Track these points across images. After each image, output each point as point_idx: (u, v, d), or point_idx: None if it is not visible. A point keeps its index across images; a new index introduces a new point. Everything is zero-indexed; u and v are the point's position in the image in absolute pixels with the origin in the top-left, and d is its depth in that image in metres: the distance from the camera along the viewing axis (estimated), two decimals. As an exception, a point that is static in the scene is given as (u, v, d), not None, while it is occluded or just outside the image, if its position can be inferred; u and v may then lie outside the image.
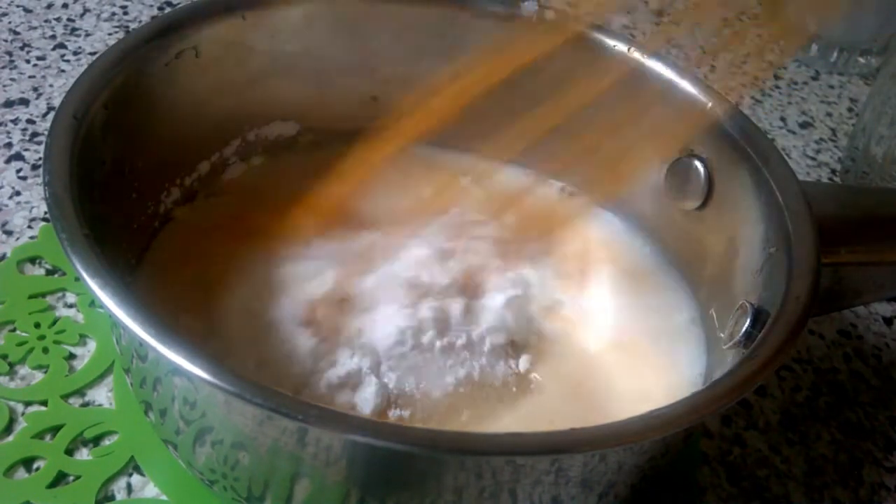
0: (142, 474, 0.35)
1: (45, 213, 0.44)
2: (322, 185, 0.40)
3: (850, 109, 0.62)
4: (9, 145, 0.48)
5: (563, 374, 0.36)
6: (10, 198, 0.45)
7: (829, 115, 0.61)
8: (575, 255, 0.41)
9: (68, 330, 0.39)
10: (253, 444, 0.28)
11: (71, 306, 0.41)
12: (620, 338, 0.38)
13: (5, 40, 0.55)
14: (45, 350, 0.39)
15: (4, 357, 0.38)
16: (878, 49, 0.64)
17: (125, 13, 0.59)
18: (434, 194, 0.42)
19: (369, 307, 0.36)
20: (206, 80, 0.38)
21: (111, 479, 0.35)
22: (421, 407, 0.34)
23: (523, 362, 0.36)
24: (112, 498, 0.34)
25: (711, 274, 0.38)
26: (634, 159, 0.40)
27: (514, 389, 0.35)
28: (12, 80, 0.52)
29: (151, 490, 0.35)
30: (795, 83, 0.64)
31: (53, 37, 0.56)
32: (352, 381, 0.33)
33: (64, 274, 0.42)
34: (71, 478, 0.35)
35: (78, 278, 0.27)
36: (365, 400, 0.33)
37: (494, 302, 0.37)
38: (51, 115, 0.46)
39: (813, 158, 0.57)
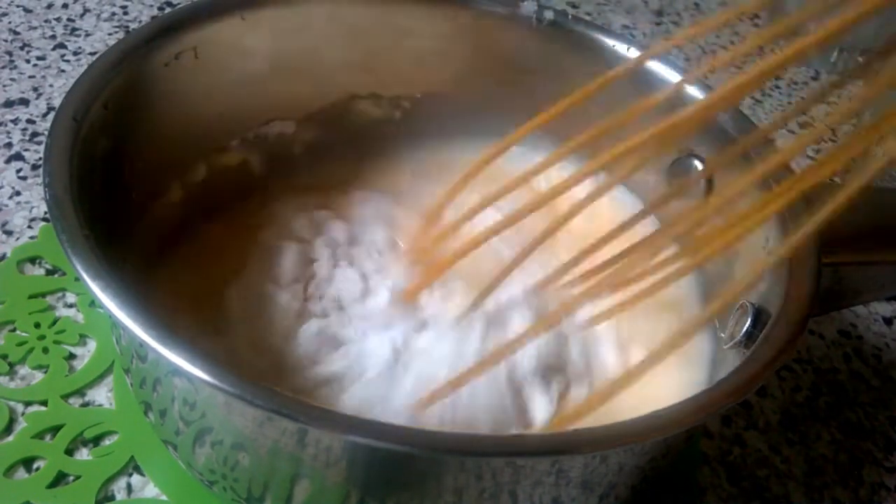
0: (142, 474, 0.35)
1: (45, 213, 0.44)
2: (323, 184, 0.40)
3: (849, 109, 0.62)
4: (9, 145, 0.48)
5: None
6: (10, 198, 0.45)
7: (829, 115, 0.61)
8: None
9: (68, 330, 0.39)
10: (253, 444, 0.28)
11: (71, 306, 0.41)
12: (620, 338, 0.38)
13: (5, 40, 0.55)
14: (45, 350, 0.39)
15: (4, 357, 0.38)
16: (879, 49, 0.63)
17: (125, 13, 0.59)
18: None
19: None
20: (206, 81, 0.38)
21: (111, 479, 0.35)
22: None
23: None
24: (112, 498, 0.34)
25: (711, 274, 0.38)
26: (634, 159, 0.40)
27: None
28: (12, 80, 0.52)
29: (151, 490, 0.35)
30: (795, 83, 0.64)
31: (53, 37, 0.56)
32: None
33: (64, 274, 0.42)
34: (71, 478, 0.35)
35: (78, 278, 0.27)
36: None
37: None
38: (51, 115, 0.46)
39: (813, 159, 0.57)
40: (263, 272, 0.37)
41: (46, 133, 0.31)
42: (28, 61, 0.54)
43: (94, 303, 0.40)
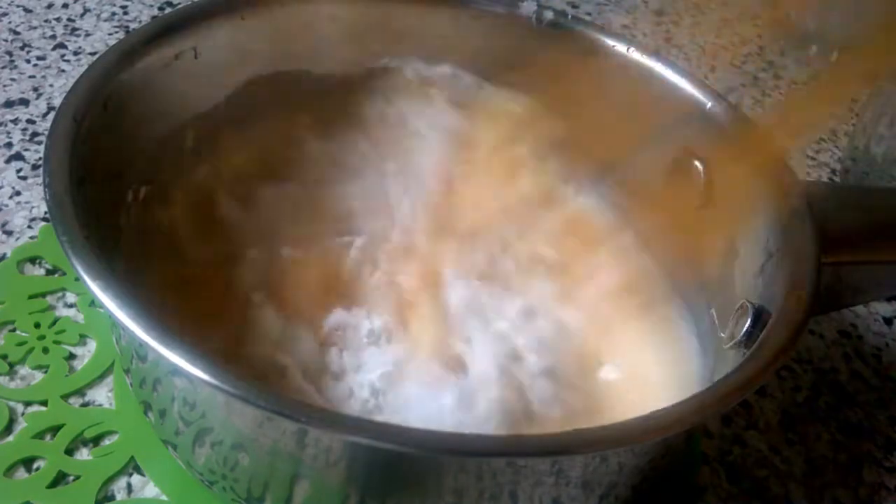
0: (142, 474, 0.35)
1: (45, 213, 0.44)
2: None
3: (850, 109, 0.62)
4: (9, 145, 0.48)
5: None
6: (10, 198, 0.45)
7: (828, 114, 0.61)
8: (573, 254, 0.41)
9: (68, 330, 0.39)
10: (253, 445, 0.28)
11: (71, 306, 0.41)
12: (620, 338, 0.38)
13: (5, 40, 0.55)
14: (45, 350, 0.39)
15: (4, 357, 0.38)
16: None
17: (125, 13, 0.59)
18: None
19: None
20: (206, 81, 0.38)
21: (111, 479, 0.35)
22: None
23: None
24: (112, 498, 0.34)
25: (711, 274, 0.38)
26: (634, 160, 0.40)
27: None
28: (12, 80, 0.52)
29: (151, 490, 0.35)
30: (795, 83, 0.64)
31: (53, 37, 0.56)
32: None
33: (64, 274, 0.42)
34: (71, 478, 0.35)
35: (78, 278, 0.27)
36: None
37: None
38: (51, 115, 0.46)
39: (813, 158, 0.57)
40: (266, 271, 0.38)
41: (46, 133, 0.31)
42: (28, 61, 0.54)
43: (94, 303, 0.40)
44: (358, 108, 0.43)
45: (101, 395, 0.37)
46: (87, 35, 0.56)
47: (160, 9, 0.60)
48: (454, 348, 0.36)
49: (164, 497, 0.34)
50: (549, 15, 0.41)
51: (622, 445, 0.27)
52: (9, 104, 0.50)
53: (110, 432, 0.36)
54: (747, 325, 0.32)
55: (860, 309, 0.47)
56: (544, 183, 0.42)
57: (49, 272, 0.42)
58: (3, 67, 0.53)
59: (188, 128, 0.39)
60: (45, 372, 0.38)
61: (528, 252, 0.40)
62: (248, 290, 0.37)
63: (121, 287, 0.27)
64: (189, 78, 0.38)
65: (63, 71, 0.53)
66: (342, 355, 0.35)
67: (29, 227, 0.44)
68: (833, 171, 0.56)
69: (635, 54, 0.40)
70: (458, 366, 0.36)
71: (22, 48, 0.54)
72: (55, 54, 0.54)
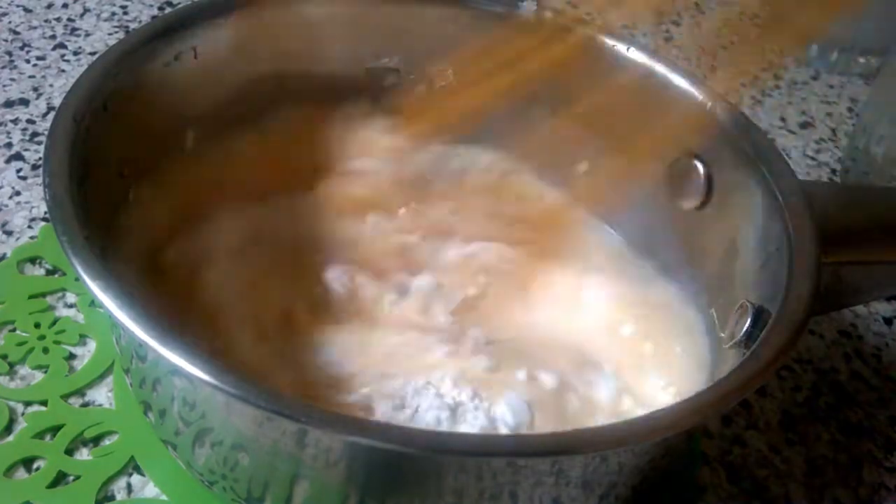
0: (142, 474, 0.35)
1: (45, 213, 0.44)
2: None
3: (850, 109, 0.62)
4: (9, 145, 0.48)
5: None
6: (10, 198, 0.45)
7: (829, 115, 0.61)
8: (574, 253, 0.41)
9: (68, 330, 0.39)
10: (253, 445, 0.28)
11: (71, 306, 0.41)
12: (620, 338, 0.38)
13: (5, 40, 0.55)
14: (45, 350, 0.39)
15: (4, 357, 0.38)
16: (878, 49, 0.64)
17: (125, 13, 0.59)
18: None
19: None
20: (206, 81, 0.38)
21: (111, 479, 0.35)
22: None
23: None
24: (112, 498, 0.34)
25: (711, 274, 0.38)
26: (634, 160, 0.40)
27: None
28: (12, 80, 0.52)
29: (151, 490, 0.35)
30: (795, 83, 0.64)
31: (53, 37, 0.56)
32: None
33: (64, 274, 0.42)
34: (71, 478, 0.35)
35: (78, 278, 0.27)
36: None
37: None
38: (51, 115, 0.46)
39: (813, 158, 0.57)
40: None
41: (46, 133, 0.31)
42: (28, 61, 0.54)
43: (94, 303, 0.40)
44: (358, 107, 0.43)
45: (101, 395, 0.38)
46: (87, 35, 0.56)
47: (160, 9, 0.60)
48: None
49: (164, 497, 0.34)
50: (548, 15, 0.41)
51: (622, 445, 0.27)
52: (9, 104, 0.50)
53: (110, 432, 0.36)
54: (747, 325, 0.32)
55: (860, 309, 0.47)
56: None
57: (49, 272, 0.42)
58: (3, 67, 0.53)
59: (188, 128, 0.39)
60: (45, 372, 0.38)
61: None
62: None
63: (121, 287, 0.27)
64: (189, 78, 0.37)
65: (63, 71, 0.53)
66: None
67: (29, 227, 0.44)
68: (833, 171, 0.56)
69: (635, 54, 0.40)
70: None
71: (22, 48, 0.54)
72: (55, 54, 0.54)
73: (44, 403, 0.37)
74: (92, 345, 0.39)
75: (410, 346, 0.36)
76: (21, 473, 0.35)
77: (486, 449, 0.26)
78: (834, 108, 0.62)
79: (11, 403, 0.37)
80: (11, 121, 0.49)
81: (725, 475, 0.39)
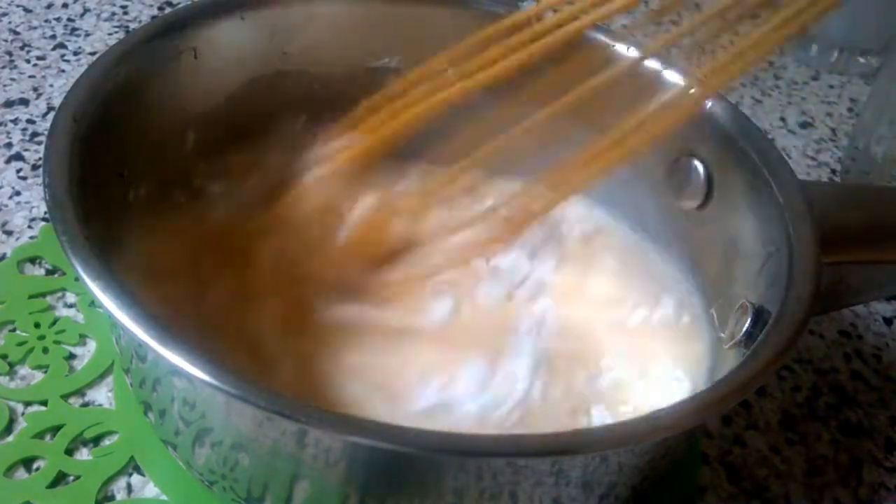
0: (142, 474, 0.35)
1: (45, 213, 0.44)
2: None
3: (850, 109, 0.62)
4: (9, 145, 0.48)
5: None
6: (10, 198, 0.45)
7: (829, 115, 0.61)
8: (575, 253, 0.41)
9: (68, 330, 0.39)
10: (253, 445, 0.28)
11: (71, 306, 0.41)
12: (621, 337, 0.38)
13: (5, 40, 0.55)
14: (45, 350, 0.39)
15: (4, 357, 0.38)
16: (878, 49, 0.64)
17: (125, 13, 0.59)
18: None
19: None
20: (206, 81, 0.38)
21: (111, 479, 0.35)
22: None
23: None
24: (112, 498, 0.34)
25: (711, 274, 0.38)
26: (634, 160, 0.40)
27: None
28: (12, 80, 0.52)
29: (151, 490, 0.35)
30: (795, 83, 0.64)
31: (53, 37, 0.56)
32: None
33: (64, 274, 0.42)
34: (71, 478, 0.35)
35: (78, 278, 0.27)
36: None
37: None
38: (51, 115, 0.46)
39: (813, 158, 0.57)
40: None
41: (46, 133, 0.31)
42: (28, 61, 0.54)
43: (94, 303, 0.40)
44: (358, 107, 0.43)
45: (101, 395, 0.38)
46: (87, 35, 0.56)
47: (160, 9, 0.60)
48: None
49: (164, 497, 0.34)
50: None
51: (622, 445, 0.27)
52: (9, 104, 0.50)
53: (110, 432, 0.36)
54: (747, 325, 0.33)
55: (860, 309, 0.47)
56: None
57: (49, 272, 0.42)
58: (3, 67, 0.53)
59: (188, 128, 0.39)
60: (45, 372, 0.38)
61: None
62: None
63: (121, 287, 0.27)
64: (189, 78, 0.38)
65: (63, 71, 0.53)
66: None
67: (29, 227, 0.44)
68: (833, 171, 0.56)
69: (635, 54, 0.40)
70: None
71: (22, 48, 0.54)
72: (55, 54, 0.54)
73: (44, 403, 0.37)
74: (92, 345, 0.39)
75: None
76: (21, 473, 0.35)
77: (486, 449, 0.26)
78: (834, 108, 0.62)
79: (11, 403, 0.37)
80: (11, 121, 0.49)
81: (725, 475, 0.39)
